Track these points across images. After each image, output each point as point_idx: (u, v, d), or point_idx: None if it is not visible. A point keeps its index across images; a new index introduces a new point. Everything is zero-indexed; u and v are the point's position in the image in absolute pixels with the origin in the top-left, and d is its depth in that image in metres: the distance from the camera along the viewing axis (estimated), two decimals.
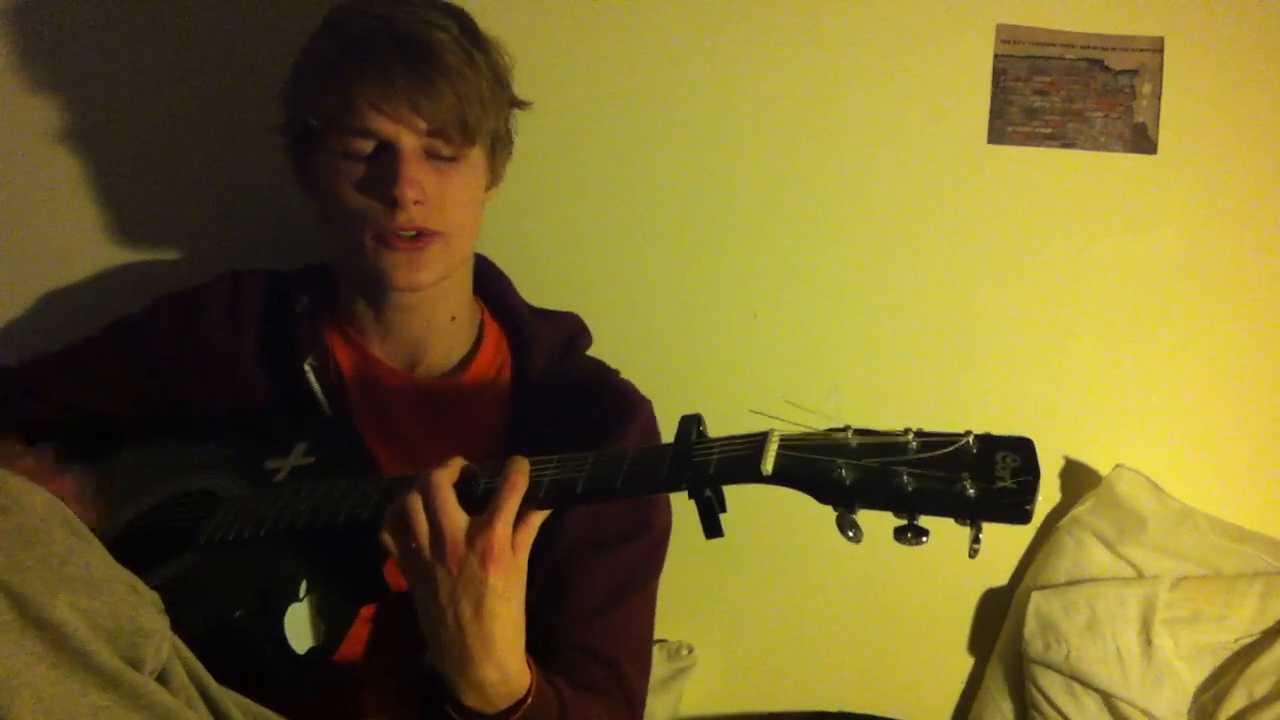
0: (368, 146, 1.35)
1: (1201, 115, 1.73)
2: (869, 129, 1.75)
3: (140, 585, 0.98)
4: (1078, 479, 1.81)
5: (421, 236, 1.36)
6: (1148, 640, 1.70)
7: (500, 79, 1.42)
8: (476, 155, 1.40)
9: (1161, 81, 1.72)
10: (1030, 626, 1.74)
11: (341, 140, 1.36)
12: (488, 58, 1.40)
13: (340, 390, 1.46)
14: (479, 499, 1.12)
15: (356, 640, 1.35)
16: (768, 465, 0.99)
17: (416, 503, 1.12)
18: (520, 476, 1.11)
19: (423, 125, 1.33)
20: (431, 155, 1.36)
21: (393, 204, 1.33)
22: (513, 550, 1.12)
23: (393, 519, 1.13)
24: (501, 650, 1.12)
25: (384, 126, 1.33)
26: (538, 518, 1.14)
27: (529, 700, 1.16)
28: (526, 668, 1.17)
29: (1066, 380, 1.79)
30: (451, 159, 1.37)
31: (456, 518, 1.10)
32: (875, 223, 1.78)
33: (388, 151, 1.34)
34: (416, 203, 1.34)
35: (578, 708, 1.26)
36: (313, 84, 1.38)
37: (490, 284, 1.56)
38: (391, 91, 1.32)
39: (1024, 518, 0.93)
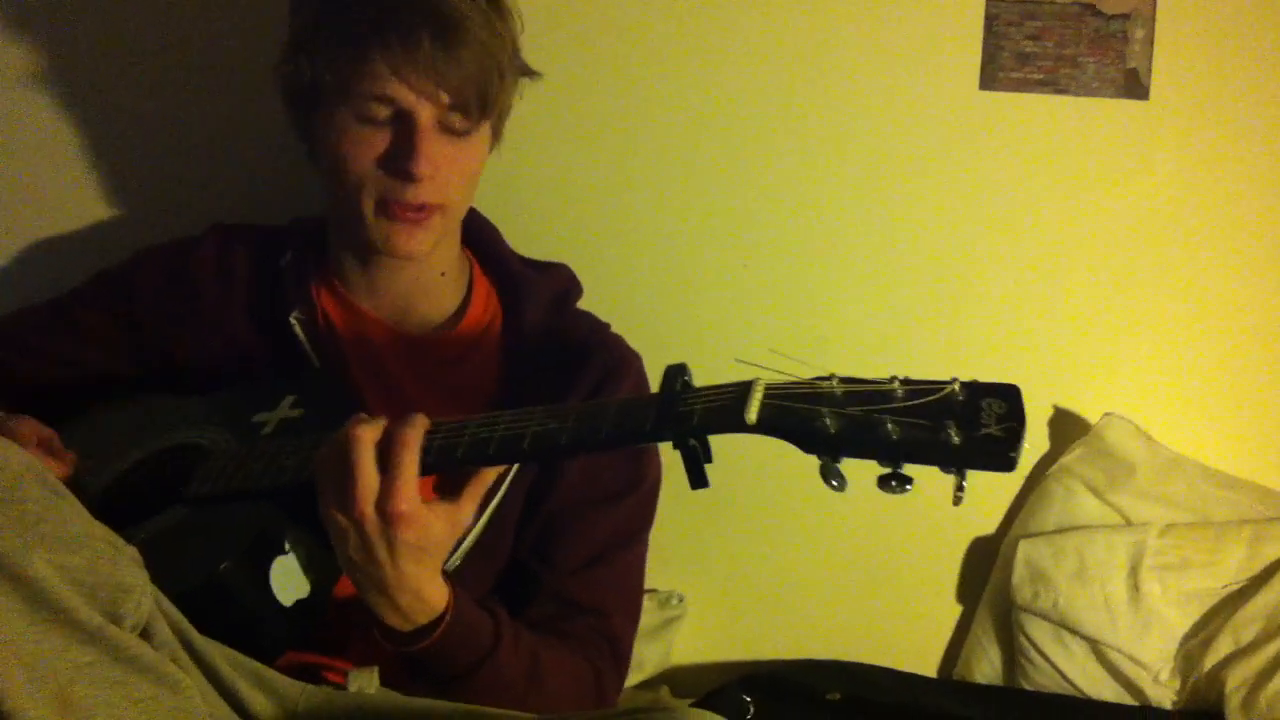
0: (384, 113, 1.31)
1: (1194, 61, 1.72)
2: (860, 75, 1.74)
3: (119, 541, 0.97)
4: (1067, 427, 1.81)
5: (425, 208, 1.34)
6: (1136, 587, 1.71)
7: (518, 49, 1.40)
8: (485, 126, 1.38)
9: (1154, 26, 1.71)
10: (1019, 574, 1.74)
11: (356, 103, 1.32)
12: (509, 28, 1.38)
13: (331, 344, 1.45)
14: (430, 457, 1.11)
15: (342, 595, 1.36)
16: (752, 414, 0.98)
17: (333, 453, 1.10)
18: (410, 430, 1.09)
19: (445, 99, 1.30)
20: (445, 128, 1.33)
21: (407, 178, 1.31)
22: (458, 500, 1.12)
23: (317, 465, 1.12)
24: (414, 581, 1.13)
25: (404, 96, 1.30)
26: (490, 473, 1.14)
27: (447, 616, 1.17)
28: (444, 587, 1.17)
29: (1056, 328, 1.79)
30: (465, 133, 1.34)
31: (369, 479, 1.08)
32: (866, 169, 1.77)
33: (403, 121, 1.31)
34: (428, 178, 1.32)
35: (520, 637, 1.26)
36: (331, 39, 1.33)
37: (480, 236, 1.54)
38: (417, 62, 1.28)
39: (1008, 465, 0.92)
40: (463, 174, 1.36)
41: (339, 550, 1.13)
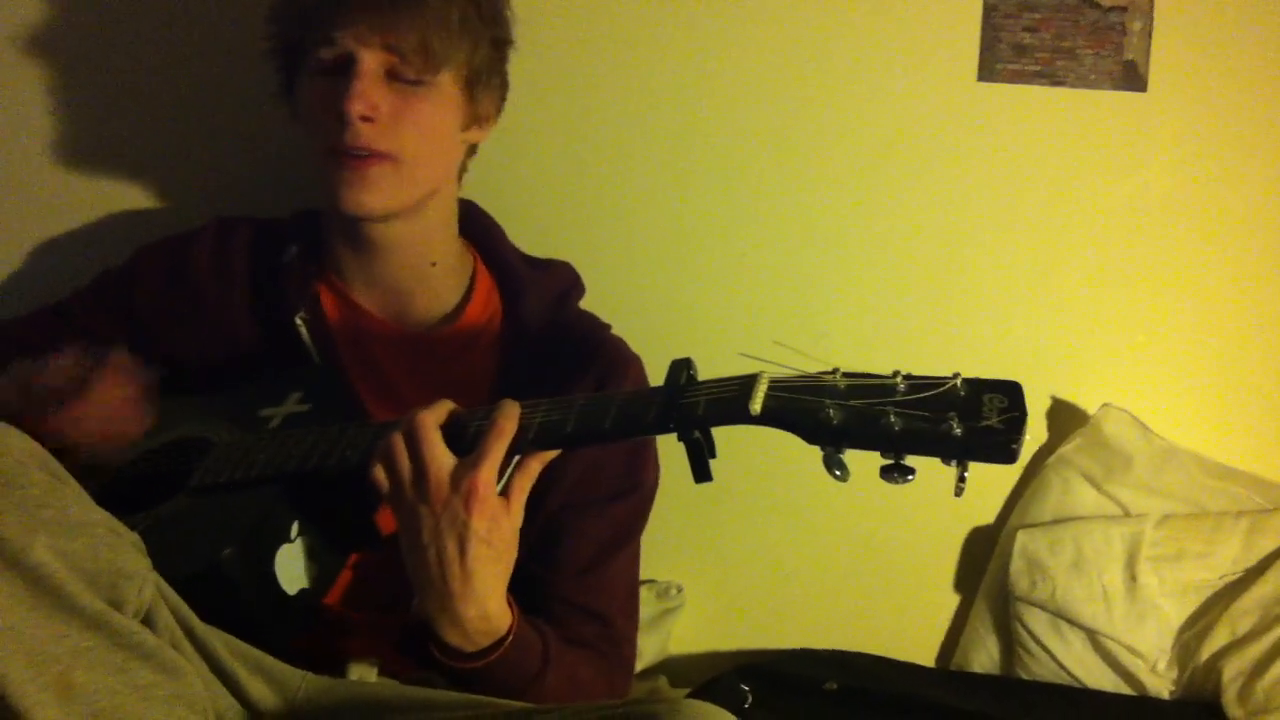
0: (330, 57, 1.34)
1: (1191, 53, 1.72)
2: (859, 67, 1.74)
3: (120, 527, 0.97)
4: (1065, 418, 1.82)
5: (370, 157, 1.34)
6: (1133, 578, 1.71)
7: (482, 13, 1.40)
8: (447, 85, 1.38)
9: (1152, 18, 1.71)
10: (1016, 565, 1.75)
11: (310, 53, 1.36)
12: None
13: (329, 341, 1.45)
14: (468, 442, 1.12)
15: (342, 585, 1.36)
16: (756, 406, 1.00)
17: (400, 442, 1.12)
18: (508, 422, 1.11)
19: (379, 43, 1.32)
20: (395, 76, 1.34)
21: (343, 118, 1.32)
22: (507, 496, 1.12)
23: (380, 457, 1.14)
24: (481, 589, 1.13)
25: (343, 40, 1.32)
26: (537, 465, 1.14)
27: (509, 639, 1.17)
28: (507, 609, 1.17)
29: (1054, 319, 1.80)
30: (415, 83, 1.35)
31: (441, 458, 1.11)
32: (864, 161, 1.77)
33: (348, 66, 1.33)
34: (366, 119, 1.32)
35: (562, 659, 1.27)
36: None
37: (482, 232, 1.54)
38: (350, 5, 1.31)
39: (1010, 457, 0.93)
40: (416, 126, 1.36)
41: (409, 544, 1.13)
